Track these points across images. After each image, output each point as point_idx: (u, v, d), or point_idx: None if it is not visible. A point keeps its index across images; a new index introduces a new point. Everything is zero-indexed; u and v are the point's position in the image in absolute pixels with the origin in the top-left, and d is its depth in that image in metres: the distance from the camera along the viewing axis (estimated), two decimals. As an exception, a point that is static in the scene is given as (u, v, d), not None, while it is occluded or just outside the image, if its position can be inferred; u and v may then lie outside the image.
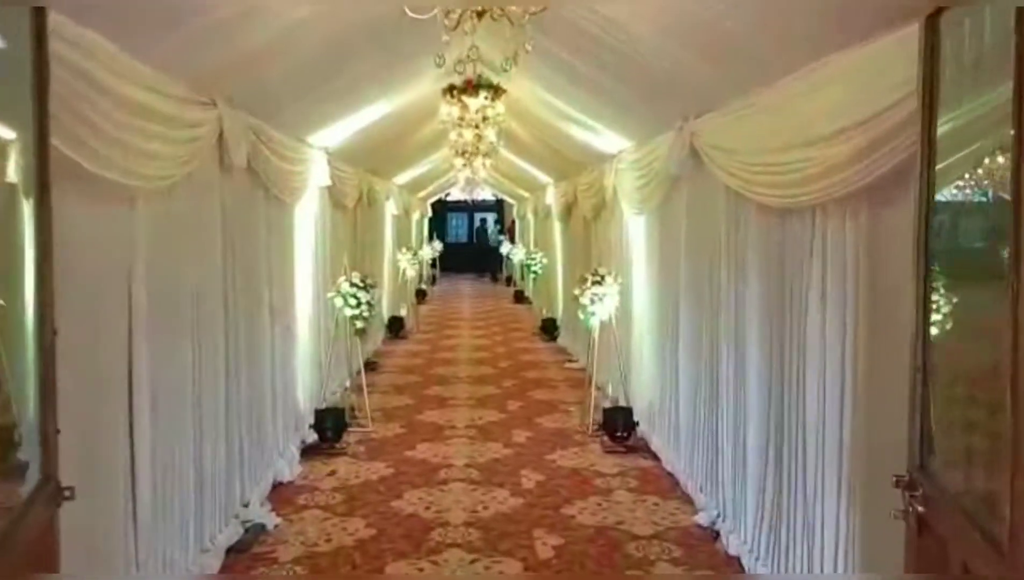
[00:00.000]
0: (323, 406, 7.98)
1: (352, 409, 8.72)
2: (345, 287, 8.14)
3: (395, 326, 14.81)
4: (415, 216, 21.58)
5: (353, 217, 11.51)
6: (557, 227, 15.03)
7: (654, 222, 7.57)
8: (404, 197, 17.36)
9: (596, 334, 8.31)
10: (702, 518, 5.71)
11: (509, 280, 26.11)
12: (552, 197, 14.81)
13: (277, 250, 6.96)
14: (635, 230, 8.33)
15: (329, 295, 8.26)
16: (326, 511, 6.09)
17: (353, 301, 8.12)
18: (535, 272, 15.60)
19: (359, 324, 8.27)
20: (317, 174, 8.28)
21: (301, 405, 7.70)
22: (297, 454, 7.23)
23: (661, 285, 7.26)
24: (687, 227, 6.43)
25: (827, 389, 3.86)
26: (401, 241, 16.57)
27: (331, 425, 7.62)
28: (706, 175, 5.89)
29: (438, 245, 27.10)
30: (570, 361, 12.25)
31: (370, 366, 11.70)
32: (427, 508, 6.14)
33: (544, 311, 15.56)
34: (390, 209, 15.43)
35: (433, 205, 27.28)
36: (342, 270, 8.39)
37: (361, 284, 8.19)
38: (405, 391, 10.32)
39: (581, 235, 12.05)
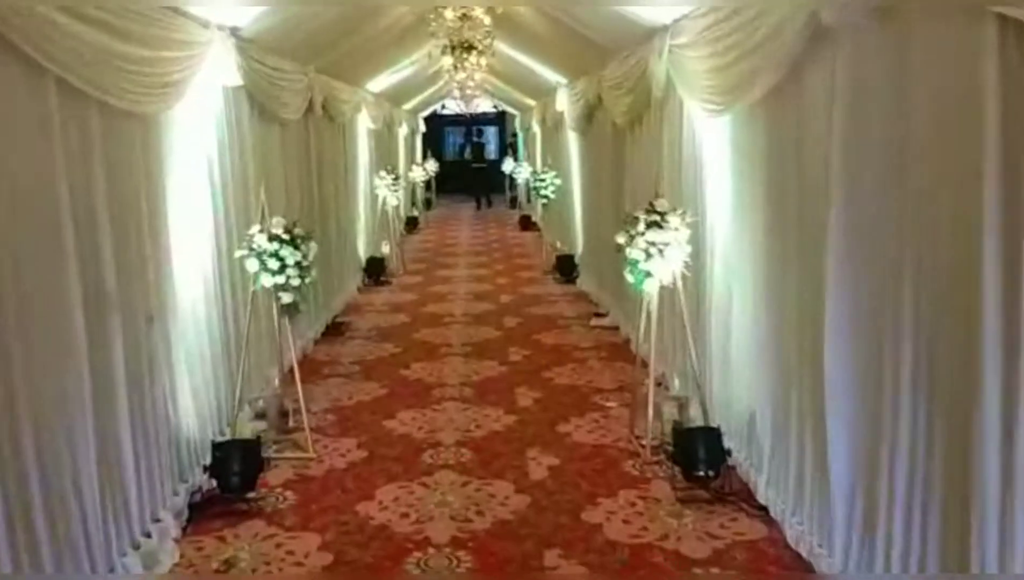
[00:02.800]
0: (229, 434, 5.13)
1: (284, 416, 5.88)
2: (261, 241, 5.22)
3: (374, 269, 11.90)
4: (402, 132, 18.47)
5: (303, 134, 8.52)
6: (572, 140, 11.98)
7: (756, 126, 4.57)
8: (384, 109, 14.28)
9: (654, 305, 5.38)
10: None
11: (514, 201, 23.07)
12: (565, 101, 11.73)
13: (114, 189, 4.03)
14: (713, 140, 5.33)
15: (238, 254, 5.34)
16: None
17: (274, 263, 5.22)
18: (545, 197, 12.59)
19: (286, 298, 5.36)
20: (214, 68, 5.31)
21: (188, 437, 4.84)
22: (175, 526, 4.41)
23: (777, 229, 4.32)
24: (843, 129, 3.46)
25: None
26: (383, 162, 13.55)
27: (239, 467, 4.77)
28: (912, 24, 2.93)
29: (433, 165, 24.05)
30: (597, 314, 9.38)
31: (336, 329, 8.90)
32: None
33: (559, 245, 12.61)
34: (363, 123, 12.39)
35: (427, 120, 24.13)
36: (261, 213, 5.43)
37: (287, 236, 5.27)
38: (374, 372, 7.47)
39: (609, 149, 9.04)
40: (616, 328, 8.66)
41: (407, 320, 9.56)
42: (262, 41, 6.48)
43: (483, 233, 18.41)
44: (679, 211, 5.11)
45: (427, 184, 23.34)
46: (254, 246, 5.21)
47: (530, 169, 19.39)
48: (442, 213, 22.87)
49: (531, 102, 18.02)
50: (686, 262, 5.14)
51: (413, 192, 20.87)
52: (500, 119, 28.53)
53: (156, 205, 4.56)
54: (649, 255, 5.05)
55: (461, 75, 11.76)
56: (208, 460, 4.79)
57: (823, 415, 3.70)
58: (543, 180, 12.45)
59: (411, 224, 18.63)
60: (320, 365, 7.65)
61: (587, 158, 10.73)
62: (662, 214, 5.07)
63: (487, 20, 8.67)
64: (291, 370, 5.73)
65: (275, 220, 5.31)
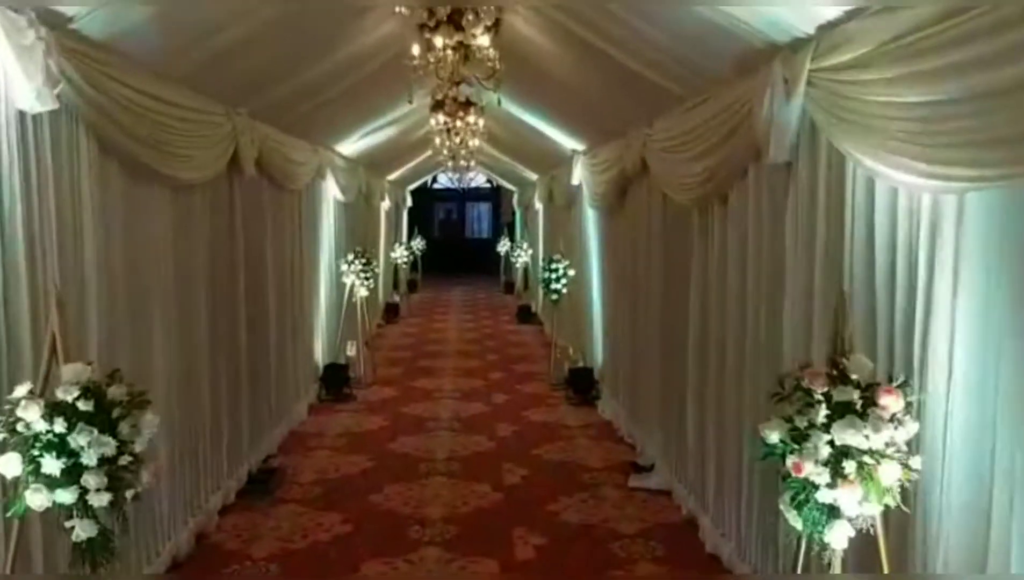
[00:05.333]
0: None
1: None
2: (31, 417, 2.54)
3: (335, 380, 9.21)
4: (384, 206, 15.93)
5: (223, 203, 5.91)
6: (592, 221, 9.44)
7: None
8: (360, 177, 11.74)
9: (837, 557, 2.67)
10: None
11: (510, 287, 20.48)
12: (582, 174, 9.25)
13: None
14: (947, 237, 2.73)
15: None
16: None
17: (55, 462, 2.53)
18: (556, 292, 9.93)
19: (83, 530, 2.60)
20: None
21: None
22: None
23: None
24: None
25: None
26: (358, 242, 10.90)
27: None
28: None
29: (420, 243, 21.53)
30: (636, 466, 6.65)
31: (263, 482, 6.21)
32: None
33: (571, 352, 9.95)
34: (330, 193, 9.84)
35: (414, 193, 21.71)
36: (49, 356, 2.77)
37: (87, 405, 2.60)
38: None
39: (657, 236, 6.46)
40: (668, 493, 5.97)
41: (368, 465, 6.82)
42: (131, 50, 3.94)
43: (475, 324, 15.73)
44: (897, 383, 2.47)
45: (412, 264, 20.83)
46: (19, 428, 2.55)
47: (530, 252, 16.89)
48: (428, 297, 20.20)
49: (533, 176, 15.61)
50: (902, 483, 2.49)
51: (396, 274, 18.30)
52: (495, 194, 26.21)
53: None
54: (839, 474, 2.39)
55: (455, 140, 9.27)
56: None
57: None
58: (555, 270, 9.81)
59: (391, 312, 15.99)
60: (221, 559, 4.93)
61: (616, 245, 8.13)
62: (863, 388, 2.43)
63: (492, 52, 6.15)
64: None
65: (68, 371, 2.65)
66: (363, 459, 6.96)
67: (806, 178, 3.69)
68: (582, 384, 9.09)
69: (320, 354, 9.29)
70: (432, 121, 8.58)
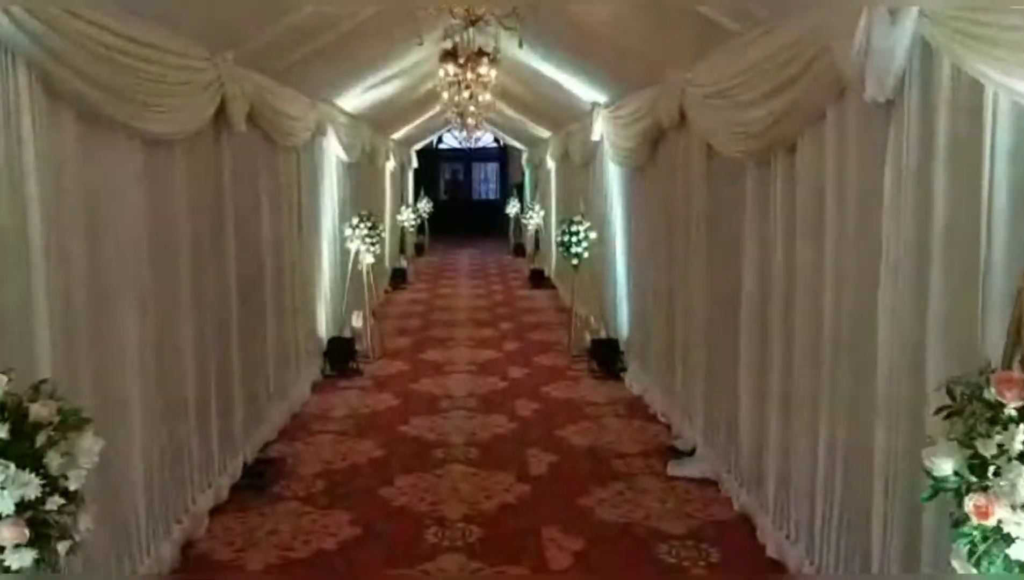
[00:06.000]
0: None
1: None
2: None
3: (340, 354, 8.54)
4: (389, 166, 15.19)
5: (210, 160, 5.19)
6: (615, 180, 8.71)
7: None
8: (364, 135, 10.98)
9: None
10: None
11: (520, 250, 19.78)
12: (604, 128, 8.49)
13: None
14: None
15: None
16: None
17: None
18: (577, 256, 9.16)
19: None
20: None
21: None
22: None
23: None
24: None
25: None
26: (363, 205, 10.19)
27: None
28: None
29: (426, 205, 20.83)
30: (675, 451, 5.99)
31: (259, 474, 5.56)
32: None
33: (592, 322, 9.27)
34: (332, 152, 9.10)
35: (419, 154, 20.93)
36: None
37: None
38: None
39: (698, 196, 5.74)
40: (714, 484, 5.31)
41: (378, 453, 6.16)
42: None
43: (485, 289, 15.05)
44: None
45: (419, 227, 20.15)
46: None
47: (542, 214, 16.15)
48: (435, 262, 19.52)
49: (545, 134, 14.83)
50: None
51: (402, 238, 17.60)
52: (502, 154, 25.43)
53: None
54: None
55: (464, 94, 8.50)
56: None
57: None
58: (575, 233, 9.03)
59: (398, 277, 15.31)
60: (210, 572, 4.30)
61: (647, 205, 7.38)
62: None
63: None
64: None
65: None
66: (372, 445, 6.30)
67: (917, 119, 2.95)
68: (605, 354, 8.41)
69: (324, 327, 8.63)
70: (441, 72, 7.91)
